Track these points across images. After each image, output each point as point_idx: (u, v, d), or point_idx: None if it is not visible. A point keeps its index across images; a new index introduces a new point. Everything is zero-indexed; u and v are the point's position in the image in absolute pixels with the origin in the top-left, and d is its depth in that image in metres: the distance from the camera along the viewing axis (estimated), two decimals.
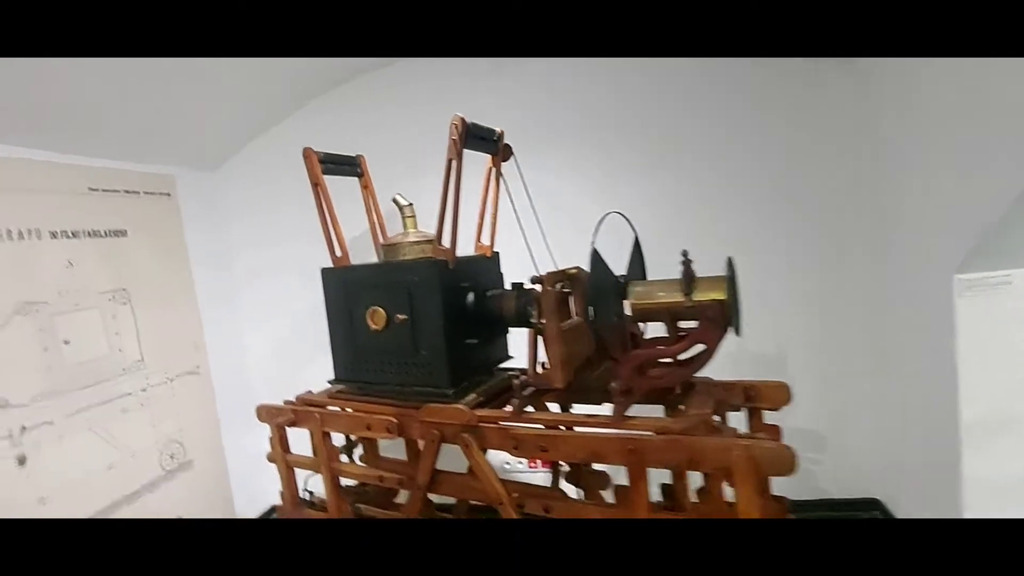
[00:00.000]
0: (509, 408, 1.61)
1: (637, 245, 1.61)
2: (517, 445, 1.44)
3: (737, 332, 1.30)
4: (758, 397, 1.55)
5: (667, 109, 2.34)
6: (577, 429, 1.42)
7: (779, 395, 1.53)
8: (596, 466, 1.70)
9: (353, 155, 2.05)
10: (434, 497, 1.71)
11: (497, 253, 1.90)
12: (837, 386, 2.31)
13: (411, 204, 1.85)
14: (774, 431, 1.53)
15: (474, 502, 1.82)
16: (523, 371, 1.91)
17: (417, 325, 1.63)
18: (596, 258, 1.48)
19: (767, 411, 1.56)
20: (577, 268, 1.62)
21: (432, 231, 1.80)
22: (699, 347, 1.33)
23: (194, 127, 2.49)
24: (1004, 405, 1.76)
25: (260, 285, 2.89)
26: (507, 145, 1.79)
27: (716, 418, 1.43)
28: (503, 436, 1.49)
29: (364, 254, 2.08)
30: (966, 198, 1.60)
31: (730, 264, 1.33)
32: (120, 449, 2.20)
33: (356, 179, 2.08)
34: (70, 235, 2.09)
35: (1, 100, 1.69)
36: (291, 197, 2.76)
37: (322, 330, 2.79)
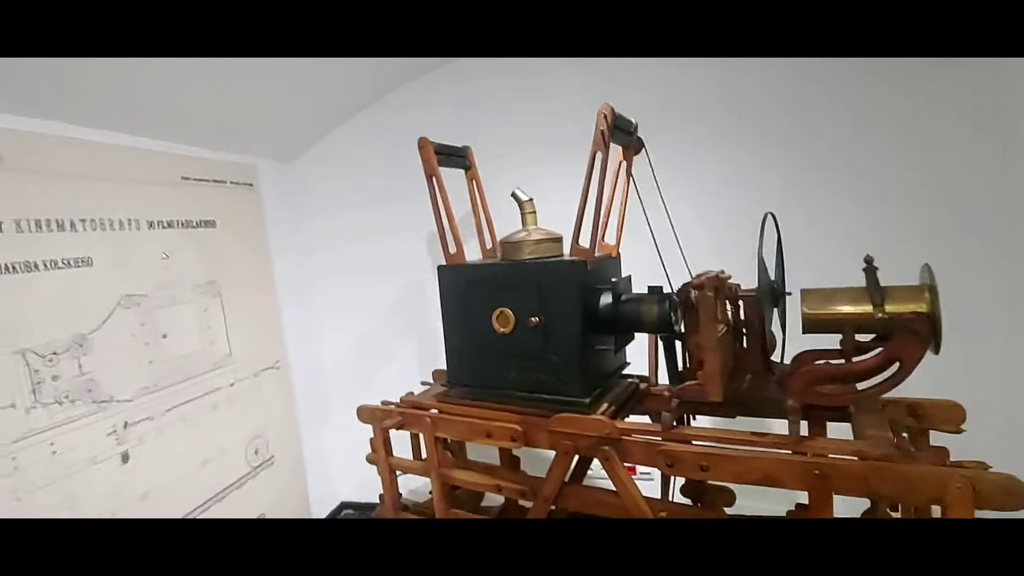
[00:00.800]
0: (647, 420, 1.50)
1: (780, 249, 1.49)
2: (672, 463, 1.34)
3: (937, 350, 1.18)
4: (927, 417, 1.42)
5: (781, 105, 2.19)
6: (744, 448, 1.31)
7: (953, 415, 1.40)
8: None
9: (461, 146, 1.95)
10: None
11: (619, 254, 1.79)
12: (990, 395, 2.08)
13: (531, 199, 1.74)
14: (943, 453, 1.40)
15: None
16: (643, 379, 1.81)
17: (550, 328, 1.53)
18: (762, 264, 1.36)
19: (934, 432, 1.43)
20: (721, 272, 1.50)
21: (551, 228, 1.71)
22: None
23: (274, 118, 2.41)
24: None
25: (337, 280, 2.82)
26: (639, 138, 1.67)
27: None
28: (650, 451, 1.39)
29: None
30: None
31: (930, 272, 1.20)
32: (212, 445, 2.15)
33: (463, 171, 1.98)
34: (165, 225, 2.03)
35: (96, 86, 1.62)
36: (368, 191, 2.70)
37: (401, 329, 2.76)
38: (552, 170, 2.17)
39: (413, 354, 2.78)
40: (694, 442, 1.36)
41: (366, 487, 2.92)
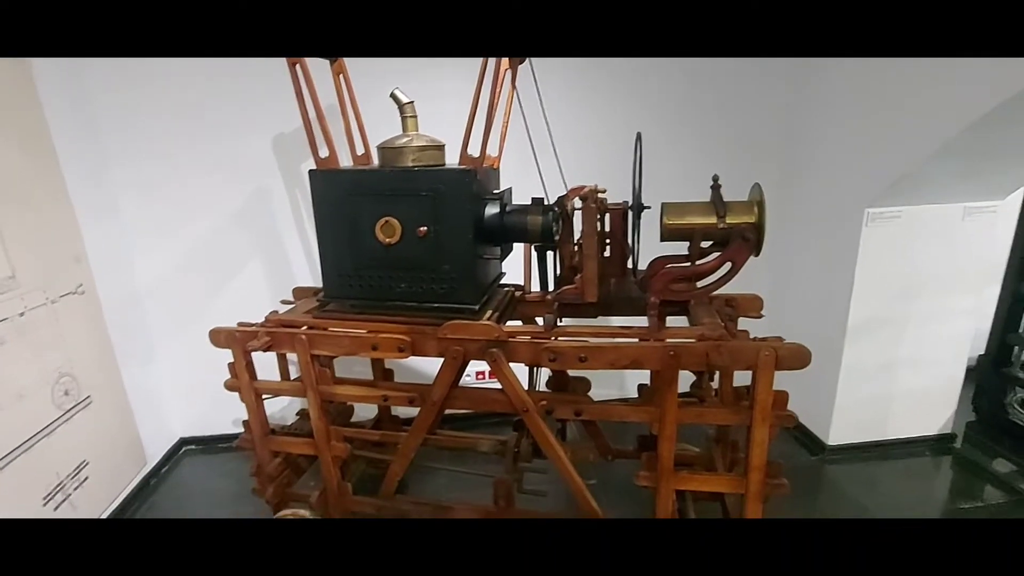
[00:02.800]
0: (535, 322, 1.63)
1: (639, 167, 1.68)
2: (555, 358, 1.49)
3: (758, 253, 1.48)
4: (738, 307, 1.80)
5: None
6: (617, 340, 1.52)
7: (755, 304, 1.80)
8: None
9: None
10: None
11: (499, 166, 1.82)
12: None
13: (412, 102, 1.64)
14: (745, 335, 1.81)
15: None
16: (518, 287, 1.93)
17: (441, 238, 1.53)
18: (637, 180, 1.52)
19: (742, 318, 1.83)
20: (595, 186, 1.65)
21: (432, 135, 1.65)
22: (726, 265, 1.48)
23: None
24: (885, 308, 2.31)
25: (151, 191, 2.34)
26: None
27: None
28: (535, 350, 1.53)
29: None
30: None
31: (759, 189, 1.48)
32: (3, 388, 1.74)
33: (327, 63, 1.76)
34: None
35: None
36: (170, 97, 2.23)
37: (242, 244, 2.43)
38: (426, 75, 2.05)
39: (259, 275, 2.51)
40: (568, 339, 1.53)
41: (206, 420, 2.69)
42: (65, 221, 2.05)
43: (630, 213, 1.59)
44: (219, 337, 1.72)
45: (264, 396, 1.82)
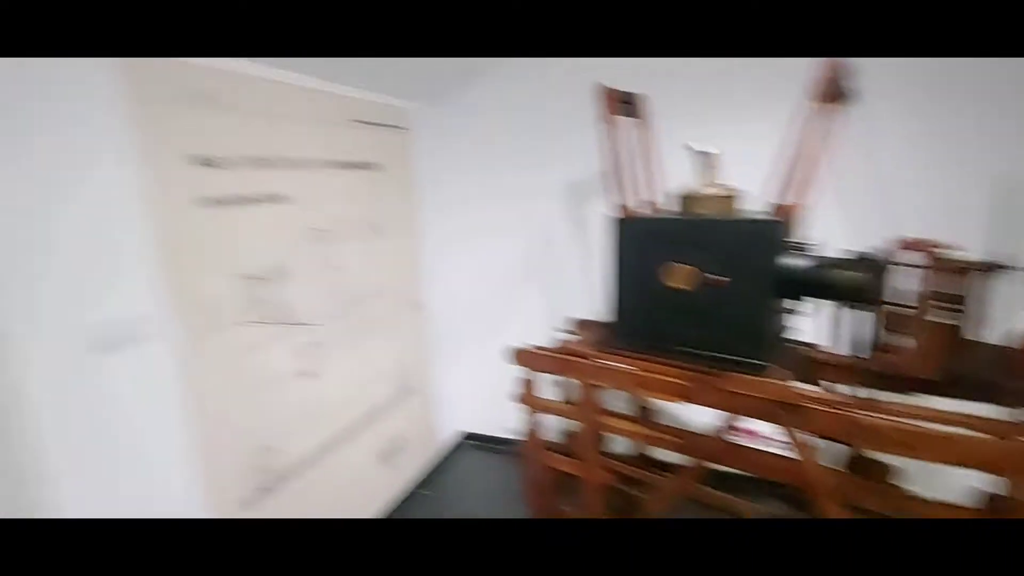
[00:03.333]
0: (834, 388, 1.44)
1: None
2: (864, 436, 1.29)
3: None
4: None
5: None
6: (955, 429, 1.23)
7: None
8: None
9: (635, 92, 1.88)
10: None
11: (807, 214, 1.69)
12: None
13: (714, 153, 1.66)
14: None
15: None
16: (809, 345, 1.74)
17: (734, 288, 1.49)
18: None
19: None
20: (936, 240, 1.38)
21: (730, 181, 1.63)
22: None
23: (430, 62, 2.41)
24: None
25: (474, 223, 2.89)
26: (852, 89, 1.53)
27: None
28: (837, 422, 1.34)
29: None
30: None
31: None
32: (369, 371, 2.36)
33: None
34: (340, 165, 2.16)
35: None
36: (504, 138, 2.70)
37: (531, 278, 2.82)
38: (733, 126, 2.05)
39: (542, 303, 2.84)
40: (891, 417, 1.30)
41: (486, 421, 3.13)
42: (417, 249, 2.70)
43: (985, 273, 1.29)
44: (519, 356, 2.01)
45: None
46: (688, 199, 1.65)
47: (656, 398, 1.74)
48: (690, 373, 1.60)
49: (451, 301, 3.02)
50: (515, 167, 2.71)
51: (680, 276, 1.57)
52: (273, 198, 1.85)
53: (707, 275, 1.52)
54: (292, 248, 1.92)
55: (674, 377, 1.62)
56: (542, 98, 2.55)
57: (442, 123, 2.83)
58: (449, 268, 2.97)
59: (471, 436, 3.21)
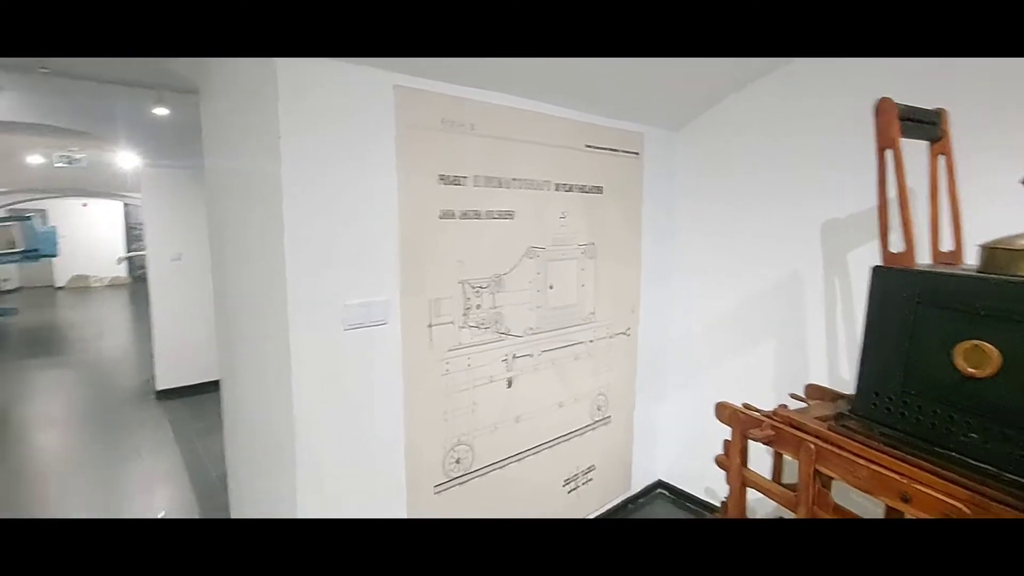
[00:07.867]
0: None
1: None
2: None
3: None
4: None
5: None
6: None
7: None
8: None
9: (932, 109, 1.46)
10: None
11: None
12: None
13: None
14: None
15: None
16: None
17: None
18: None
19: None
20: None
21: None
22: None
23: (664, 89, 2.29)
24: None
25: (699, 260, 2.66)
26: None
27: None
28: None
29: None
30: None
31: None
32: (568, 391, 2.36)
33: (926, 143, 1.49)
34: (567, 188, 2.22)
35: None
36: (746, 167, 2.40)
37: (761, 326, 2.45)
38: None
39: (769, 358, 2.43)
40: None
41: (682, 473, 2.83)
42: (633, 277, 2.61)
43: None
44: (724, 412, 1.75)
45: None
46: (1005, 253, 1.19)
47: (909, 511, 1.29)
48: (964, 490, 1.14)
49: (665, 337, 2.83)
50: (761, 198, 2.39)
51: (972, 356, 1.14)
52: (503, 215, 2.00)
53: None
54: (512, 262, 2.05)
55: (941, 492, 1.18)
56: (796, 116, 2.19)
57: (675, 149, 2.69)
58: (665, 301, 2.79)
59: (663, 485, 2.93)
